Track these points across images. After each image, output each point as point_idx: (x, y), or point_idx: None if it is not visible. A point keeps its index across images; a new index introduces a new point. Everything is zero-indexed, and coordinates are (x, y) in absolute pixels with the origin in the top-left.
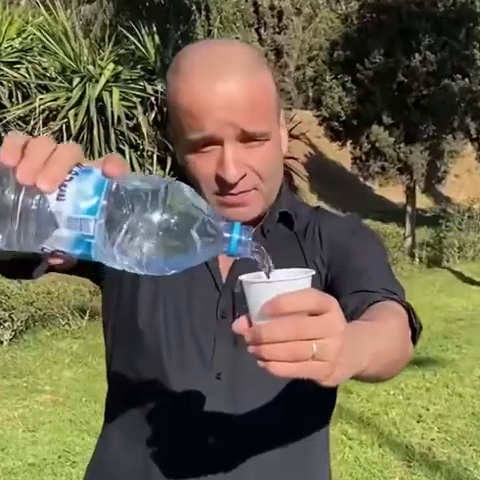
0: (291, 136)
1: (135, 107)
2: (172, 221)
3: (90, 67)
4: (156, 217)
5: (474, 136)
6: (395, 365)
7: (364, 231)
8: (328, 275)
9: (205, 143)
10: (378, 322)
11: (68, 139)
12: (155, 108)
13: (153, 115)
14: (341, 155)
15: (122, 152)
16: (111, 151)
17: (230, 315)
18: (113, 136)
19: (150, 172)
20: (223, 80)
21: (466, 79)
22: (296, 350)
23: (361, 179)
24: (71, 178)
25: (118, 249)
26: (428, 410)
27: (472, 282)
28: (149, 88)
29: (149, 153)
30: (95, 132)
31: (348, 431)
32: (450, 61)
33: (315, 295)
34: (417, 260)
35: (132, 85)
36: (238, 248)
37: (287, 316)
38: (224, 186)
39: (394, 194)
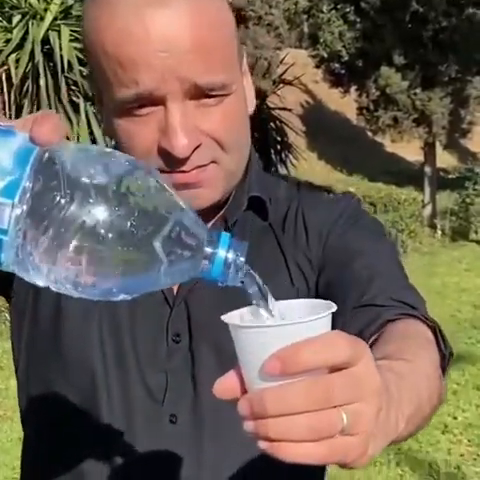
0: (282, 82)
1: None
2: (129, 221)
3: (33, 1)
4: (105, 213)
5: None
6: (429, 416)
7: (363, 219)
8: (319, 281)
9: (141, 103)
10: (409, 363)
11: (9, 92)
12: None
13: None
14: (344, 104)
15: (76, 105)
16: (62, 104)
17: (186, 338)
18: (64, 86)
19: None
20: (162, 11)
21: None
22: (319, 424)
23: (369, 133)
24: None
25: (43, 256)
26: (456, 418)
27: None
28: None
29: None
30: (42, 82)
31: None
32: None
33: (346, 343)
34: (439, 232)
35: None
36: (224, 272)
37: (302, 375)
38: (171, 161)
39: (410, 151)
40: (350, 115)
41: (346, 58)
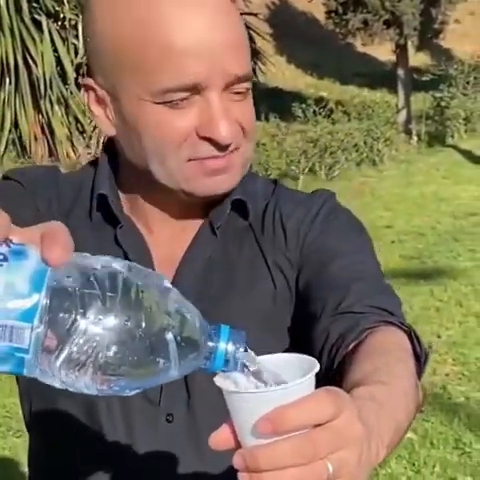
0: None
1: None
2: (138, 332)
3: None
4: (117, 327)
5: None
6: (407, 428)
7: (341, 216)
8: (299, 280)
9: (182, 92)
10: (387, 386)
11: None
12: None
13: None
14: (312, 4)
15: (38, 23)
16: (24, 23)
17: None
18: (25, 3)
19: (76, 47)
20: (206, 8)
21: None
22: (307, 476)
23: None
24: None
25: (63, 368)
26: (439, 337)
27: None
28: None
29: (72, 22)
30: (2, 1)
31: None
32: None
33: (329, 401)
34: (415, 138)
35: None
36: (225, 363)
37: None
38: (212, 148)
39: (381, 51)
40: (318, 15)
41: None
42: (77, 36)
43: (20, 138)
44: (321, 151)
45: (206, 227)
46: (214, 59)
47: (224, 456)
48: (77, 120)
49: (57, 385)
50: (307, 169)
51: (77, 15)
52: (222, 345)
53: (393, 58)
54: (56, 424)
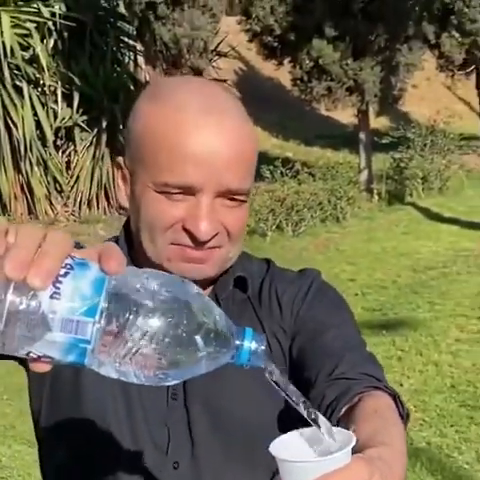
0: (218, 54)
1: (30, 35)
2: (181, 328)
3: None
4: (163, 324)
5: (433, 42)
6: None
7: (328, 293)
8: (292, 347)
9: (181, 190)
10: (390, 448)
11: None
12: (54, 34)
13: (52, 43)
14: (278, 72)
15: (19, 89)
16: (6, 89)
17: (181, 396)
18: (7, 71)
19: (55, 112)
20: (219, 127)
21: None
22: None
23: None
24: (66, 273)
25: (118, 357)
26: (401, 385)
27: (441, 219)
28: (45, 11)
29: (52, 88)
30: None
31: None
32: None
33: (366, 471)
34: (376, 196)
35: (24, 8)
36: (249, 358)
37: None
38: (190, 240)
39: (344, 115)
40: (284, 81)
41: (278, 32)
42: (56, 101)
43: (0, 197)
44: (288, 209)
45: (212, 298)
46: (212, 171)
47: None
48: (55, 180)
49: (113, 375)
50: (275, 226)
51: (56, 82)
52: (247, 343)
53: (355, 121)
54: (72, 466)
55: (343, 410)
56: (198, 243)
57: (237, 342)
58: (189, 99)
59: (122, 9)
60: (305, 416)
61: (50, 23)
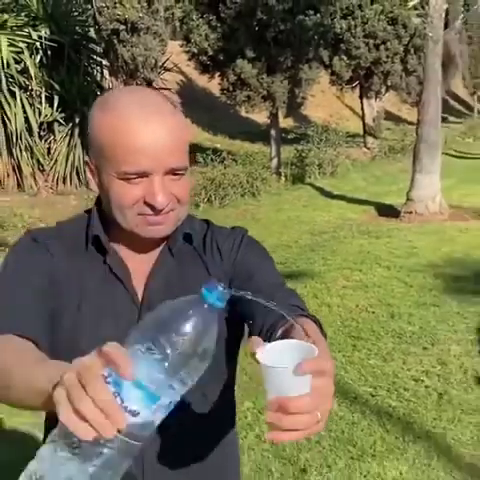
0: (165, 69)
1: (22, 52)
2: (200, 350)
3: None
4: (195, 359)
5: (327, 63)
6: None
7: (255, 244)
8: (231, 286)
9: (136, 175)
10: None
11: None
12: (40, 52)
13: (38, 58)
14: (210, 83)
15: (13, 93)
16: (2, 93)
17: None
18: (4, 79)
19: (39, 110)
20: (160, 129)
21: (318, 14)
22: (309, 421)
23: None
24: (118, 396)
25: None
26: None
27: (332, 196)
28: (34, 34)
29: (37, 92)
30: None
31: None
32: None
33: (329, 362)
34: (283, 178)
35: (18, 32)
36: (220, 298)
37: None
38: (151, 210)
39: (259, 117)
40: (215, 91)
41: (211, 53)
42: (40, 102)
43: None
44: (216, 187)
45: (166, 250)
46: (158, 158)
47: None
48: (39, 162)
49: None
50: (206, 199)
51: (41, 88)
52: (212, 298)
53: (268, 121)
54: None
55: (280, 332)
56: (157, 211)
57: (208, 301)
58: (133, 105)
59: (92, 34)
60: (279, 311)
61: (38, 43)
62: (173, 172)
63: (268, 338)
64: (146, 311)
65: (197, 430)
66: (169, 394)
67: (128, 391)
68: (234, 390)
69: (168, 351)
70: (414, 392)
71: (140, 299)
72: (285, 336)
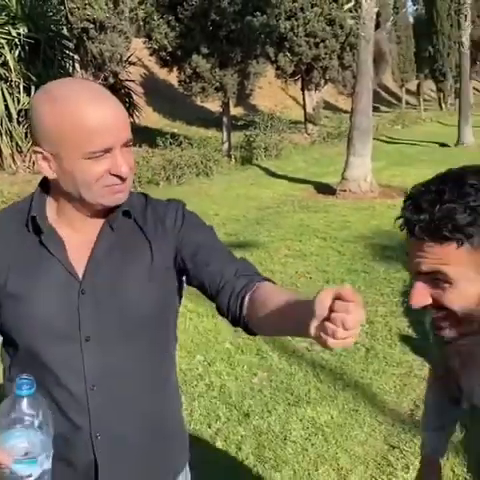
0: (130, 63)
1: (3, 47)
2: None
3: None
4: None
5: (273, 59)
6: None
7: (194, 215)
8: (182, 256)
9: (102, 152)
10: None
11: None
12: (19, 47)
13: (17, 53)
14: (170, 76)
15: None
16: None
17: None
18: None
19: (18, 99)
20: (112, 108)
21: (264, 16)
22: (355, 333)
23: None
24: None
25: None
26: None
27: (276, 176)
28: (13, 31)
29: (16, 83)
30: None
31: (188, 305)
32: (251, 2)
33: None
34: (233, 160)
35: None
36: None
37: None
38: (118, 179)
39: (213, 105)
40: (173, 82)
41: (170, 49)
42: (19, 92)
43: None
44: (174, 167)
45: (106, 226)
46: (117, 134)
47: None
48: (17, 144)
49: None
50: (165, 178)
51: (19, 79)
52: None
53: (220, 110)
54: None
55: (248, 294)
56: (122, 180)
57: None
58: (83, 92)
59: (65, 32)
60: None
61: (16, 40)
62: (126, 144)
63: (240, 301)
64: (89, 284)
65: (140, 381)
66: (39, 451)
67: (19, 469)
68: (176, 339)
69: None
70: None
71: (82, 272)
72: (255, 298)
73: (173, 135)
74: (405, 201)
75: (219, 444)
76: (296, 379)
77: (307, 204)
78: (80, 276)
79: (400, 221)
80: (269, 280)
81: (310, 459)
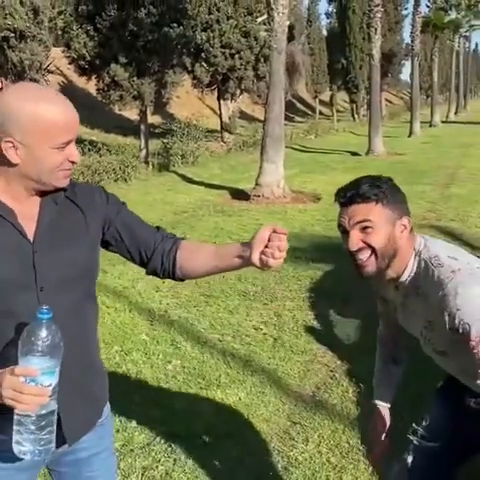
0: (49, 71)
1: None
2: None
3: None
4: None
5: (190, 69)
6: None
7: (114, 196)
8: (116, 227)
9: (64, 144)
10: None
11: None
12: None
13: None
14: (88, 84)
15: None
16: None
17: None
18: None
19: None
20: (73, 110)
21: (181, 27)
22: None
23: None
24: None
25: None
26: (164, 283)
27: (192, 182)
28: None
29: None
30: None
31: (106, 301)
32: (168, 13)
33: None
34: (151, 166)
35: None
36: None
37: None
38: (70, 165)
39: (131, 113)
40: (92, 91)
41: (89, 58)
42: None
43: None
44: (92, 173)
45: (49, 200)
46: (75, 130)
47: None
48: None
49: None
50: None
51: None
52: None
53: (138, 118)
54: None
55: (178, 249)
56: (74, 164)
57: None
58: (54, 98)
59: None
60: None
61: None
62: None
63: (173, 256)
64: (39, 245)
65: (82, 322)
66: (56, 365)
67: (40, 379)
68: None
69: (41, 349)
70: (254, 338)
71: (32, 236)
72: (184, 249)
73: (91, 142)
74: (336, 194)
75: (134, 423)
76: (208, 366)
77: (222, 208)
78: (31, 239)
79: (337, 205)
80: (184, 239)
81: (218, 434)
